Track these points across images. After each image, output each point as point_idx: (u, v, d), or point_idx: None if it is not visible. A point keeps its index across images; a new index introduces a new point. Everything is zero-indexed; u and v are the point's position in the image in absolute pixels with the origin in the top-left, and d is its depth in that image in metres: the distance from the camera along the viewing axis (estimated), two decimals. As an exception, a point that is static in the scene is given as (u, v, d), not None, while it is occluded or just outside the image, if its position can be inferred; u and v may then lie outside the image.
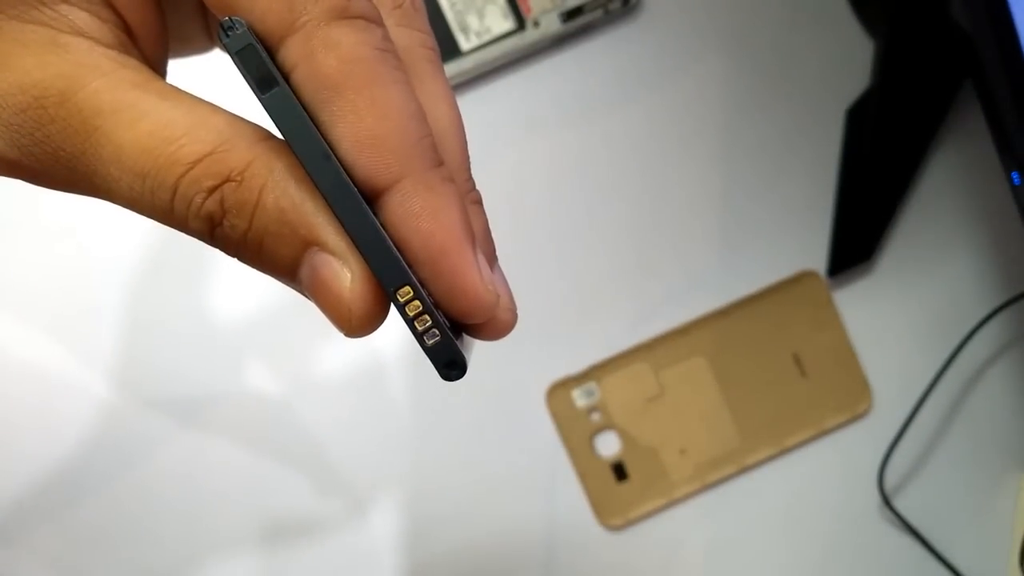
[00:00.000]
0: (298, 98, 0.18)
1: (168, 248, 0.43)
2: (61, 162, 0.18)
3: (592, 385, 0.44)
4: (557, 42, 0.43)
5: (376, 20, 0.18)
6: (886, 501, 0.44)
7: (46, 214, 0.43)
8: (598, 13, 0.42)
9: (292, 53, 0.17)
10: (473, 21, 0.42)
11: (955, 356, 0.43)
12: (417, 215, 0.18)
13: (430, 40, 0.21)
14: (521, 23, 0.42)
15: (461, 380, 0.18)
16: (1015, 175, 0.36)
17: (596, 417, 0.44)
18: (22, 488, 0.43)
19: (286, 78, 0.18)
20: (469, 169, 0.21)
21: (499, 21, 0.42)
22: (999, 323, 0.44)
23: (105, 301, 0.43)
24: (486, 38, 0.42)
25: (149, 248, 0.43)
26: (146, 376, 0.43)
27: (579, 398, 0.44)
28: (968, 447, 0.45)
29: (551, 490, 0.44)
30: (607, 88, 0.44)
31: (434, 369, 0.19)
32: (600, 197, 0.44)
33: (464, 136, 0.21)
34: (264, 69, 0.17)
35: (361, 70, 0.17)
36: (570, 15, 0.42)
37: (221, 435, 0.43)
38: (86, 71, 0.18)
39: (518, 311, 0.20)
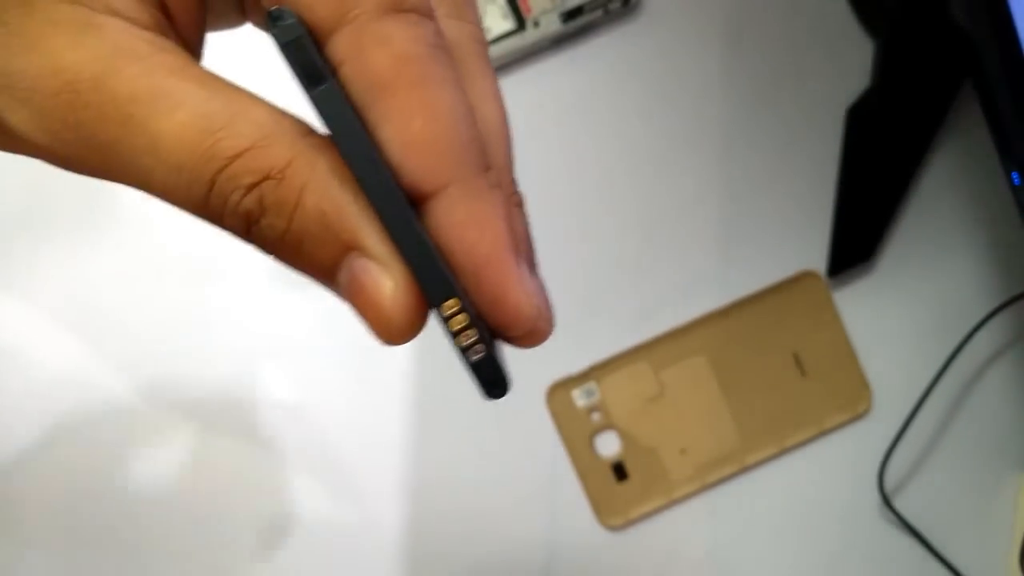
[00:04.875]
0: (345, 95, 0.17)
1: (180, 251, 0.43)
2: (94, 149, 0.17)
3: (592, 385, 0.44)
4: (557, 42, 0.43)
5: (428, 14, 0.17)
6: (886, 501, 0.44)
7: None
8: (598, 13, 0.42)
9: (341, 47, 0.17)
10: (473, 21, 0.42)
11: (955, 356, 0.43)
12: (463, 224, 0.17)
13: (480, 32, 0.20)
14: (521, 23, 0.42)
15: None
16: (1015, 175, 0.36)
17: (596, 417, 0.44)
18: (30, 487, 0.43)
19: (333, 73, 0.17)
20: (513, 170, 0.20)
21: (499, 21, 0.42)
22: (999, 323, 0.44)
23: (114, 303, 0.43)
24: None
25: (161, 250, 0.43)
26: (155, 376, 0.43)
27: (579, 398, 0.44)
28: (968, 447, 0.45)
29: (551, 490, 0.44)
30: (607, 88, 0.44)
31: (478, 386, 0.18)
32: (600, 197, 0.44)
33: (510, 135, 0.20)
34: (313, 63, 0.16)
35: (413, 69, 0.17)
36: (570, 15, 0.42)
37: (226, 436, 0.43)
38: (122, 55, 0.17)
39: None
